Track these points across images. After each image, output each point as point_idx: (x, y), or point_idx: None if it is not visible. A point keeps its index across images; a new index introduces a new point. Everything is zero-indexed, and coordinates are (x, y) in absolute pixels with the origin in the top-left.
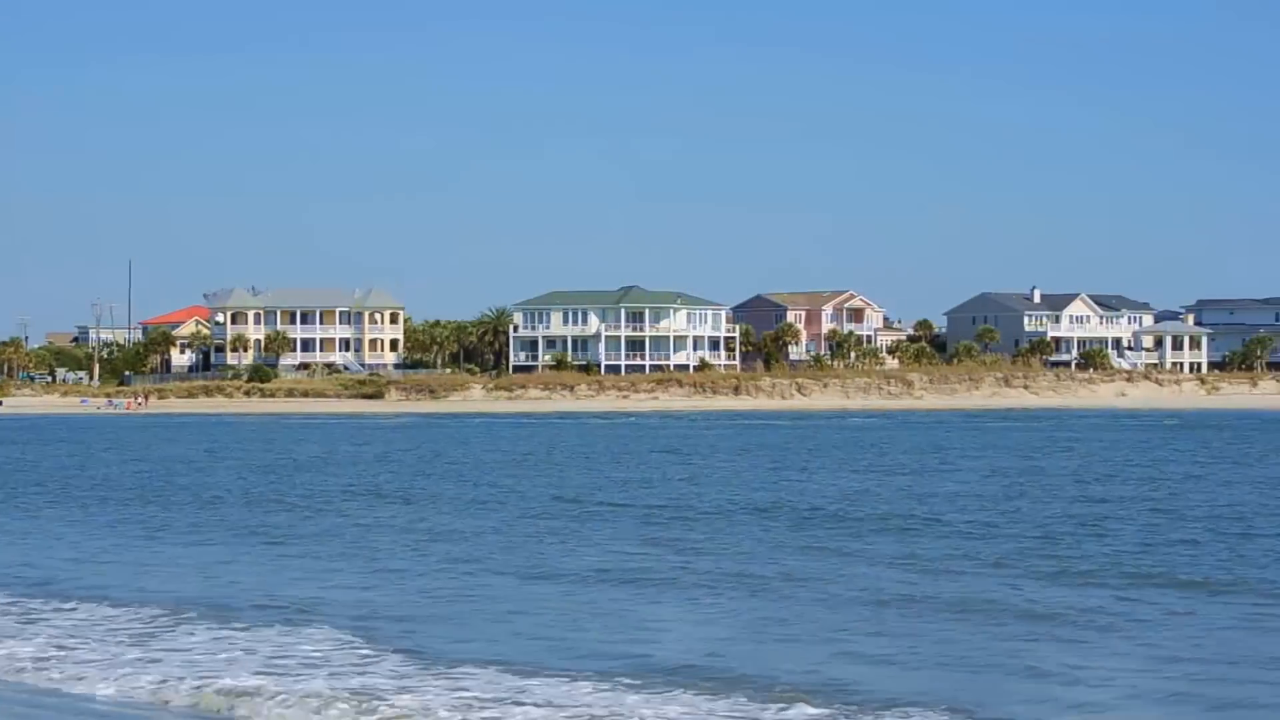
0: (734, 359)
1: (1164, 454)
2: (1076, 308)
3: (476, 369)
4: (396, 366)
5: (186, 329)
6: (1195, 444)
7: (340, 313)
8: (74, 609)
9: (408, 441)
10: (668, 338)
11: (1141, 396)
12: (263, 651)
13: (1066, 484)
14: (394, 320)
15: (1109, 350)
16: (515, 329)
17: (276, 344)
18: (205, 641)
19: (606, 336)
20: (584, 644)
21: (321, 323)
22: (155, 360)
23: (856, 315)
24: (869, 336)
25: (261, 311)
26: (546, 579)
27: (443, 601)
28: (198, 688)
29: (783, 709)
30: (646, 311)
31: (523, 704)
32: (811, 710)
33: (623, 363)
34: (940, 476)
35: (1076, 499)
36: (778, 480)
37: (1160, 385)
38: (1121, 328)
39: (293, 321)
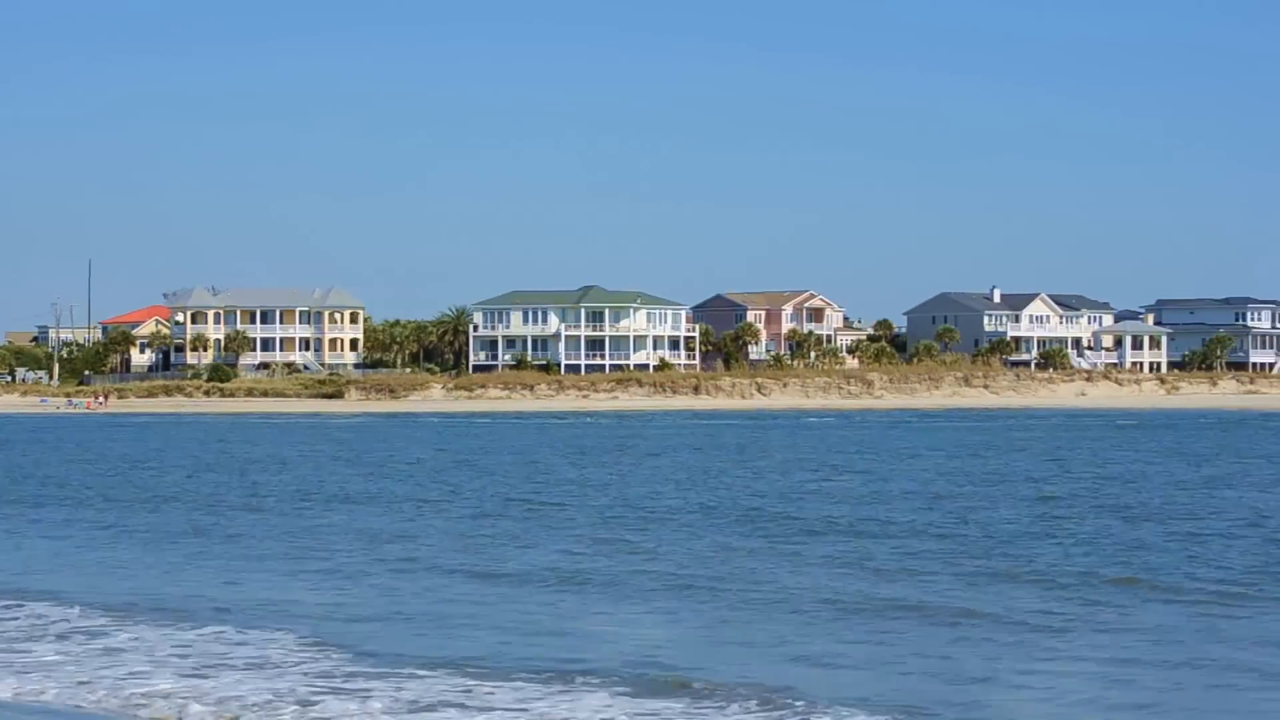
0: (694, 358)
1: (1117, 454)
2: (1036, 307)
3: (436, 369)
4: (356, 366)
5: (146, 329)
6: (1150, 444)
7: (300, 312)
8: (21, 607)
9: (364, 441)
10: (628, 337)
11: (1101, 396)
12: (202, 652)
13: (1018, 484)
14: (354, 320)
15: (1069, 350)
16: (475, 329)
17: (236, 343)
18: (145, 643)
19: (566, 336)
20: (530, 646)
21: (281, 322)
22: (115, 360)
23: (816, 315)
24: (829, 336)
25: (221, 311)
26: (495, 580)
27: (390, 602)
28: (121, 690)
29: (731, 710)
30: (606, 311)
31: (465, 706)
32: (761, 713)
33: (582, 362)
34: (891, 476)
35: (1027, 499)
36: (729, 480)
37: (1120, 385)
38: (1081, 327)
39: (252, 321)
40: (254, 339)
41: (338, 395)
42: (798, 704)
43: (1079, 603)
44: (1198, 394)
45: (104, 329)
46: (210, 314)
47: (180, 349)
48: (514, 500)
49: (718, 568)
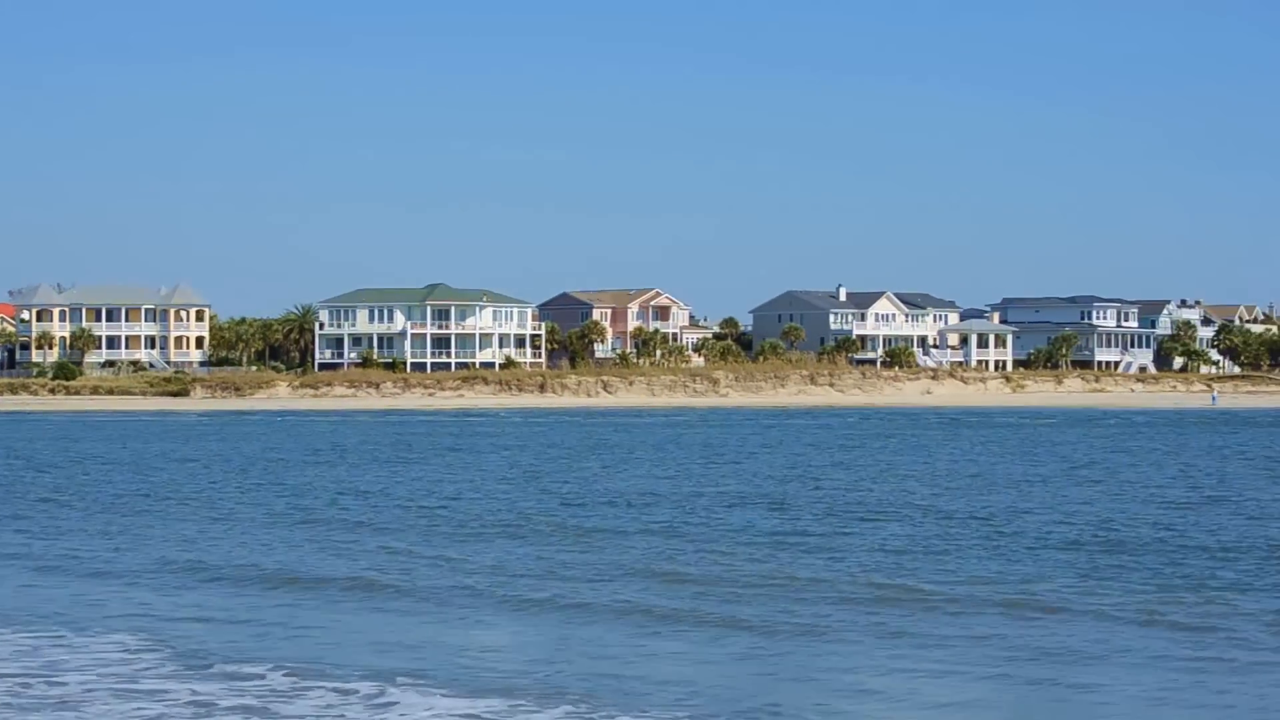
0: (540, 356)
1: (943, 453)
2: (882, 306)
3: (282, 367)
4: (202, 364)
5: None
6: (976, 442)
7: (146, 310)
8: None
9: (201, 440)
10: (474, 335)
11: (947, 394)
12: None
13: (842, 488)
14: (199, 318)
15: (915, 348)
16: (321, 326)
17: (82, 341)
18: None
19: (412, 334)
20: (348, 652)
21: (127, 320)
22: None
23: (662, 313)
24: (675, 334)
25: (67, 309)
26: (312, 586)
27: (206, 606)
28: None
29: (554, 715)
30: (452, 309)
31: (269, 711)
32: (584, 716)
33: (428, 360)
34: (717, 477)
35: (850, 502)
36: (554, 483)
37: (966, 384)
38: (927, 326)
39: (98, 319)
40: (100, 336)
41: (183, 393)
42: (626, 711)
43: (884, 608)
44: (1043, 392)
45: None
46: (55, 311)
47: (25, 346)
48: (330, 505)
49: (541, 578)
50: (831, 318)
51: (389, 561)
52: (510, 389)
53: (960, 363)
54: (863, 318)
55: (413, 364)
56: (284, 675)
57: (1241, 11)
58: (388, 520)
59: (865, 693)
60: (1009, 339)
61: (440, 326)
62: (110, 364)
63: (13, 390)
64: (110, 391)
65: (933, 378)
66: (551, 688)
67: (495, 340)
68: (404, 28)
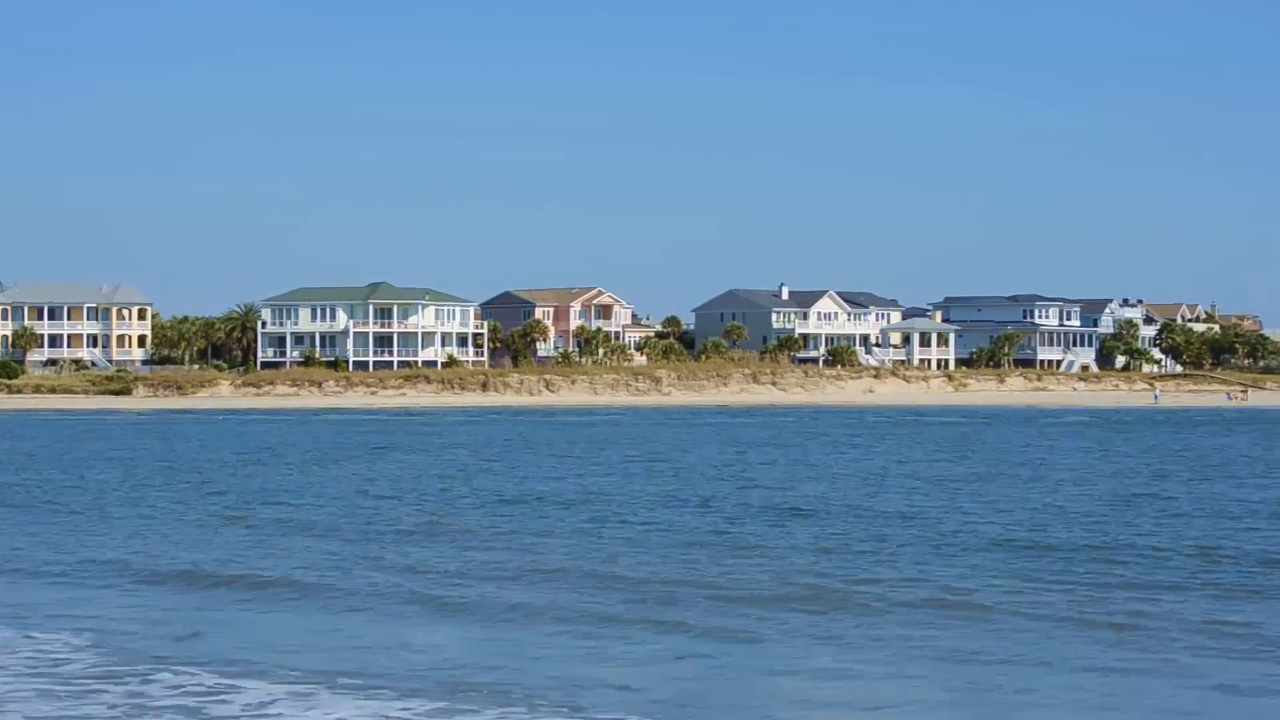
0: (483, 355)
1: (878, 451)
2: (824, 304)
3: (224, 365)
4: (144, 363)
5: None
6: (913, 440)
7: (88, 309)
8: None
9: (141, 439)
10: (416, 334)
11: (889, 393)
12: None
13: (773, 486)
14: (142, 316)
15: (857, 347)
16: (263, 325)
17: (24, 340)
18: None
19: (355, 333)
20: (280, 654)
21: (69, 319)
22: None
23: (605, 312)
24: (617, 333)
25: (9, 307)
26: (246, 586)
27: (143, 608)
28: None
29: (492, 713)
30: (395, 308)
31: (201, 712)
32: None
33: (371, 359)
34: (651, 476)
35: (780, 500)
36: (491, 482)
37: (908, 382)
38: (869, 324)
39: (40, 317)
40: (41, 335)
41: (125, 392)
42: (565, 711)
43: (815, 608)
44: (985, 390)
45: None
46: None
47: None
48: (267, 504)
49: (472, 576)
50: (774, 316)
51: (325, 561)
52: (453, 388)
53: (903, 361)
54: (805, 316)
55: (355, 363)
56: (220, 675)
57: (1241, 11)
58: (324, 520)
59: (796, 695)
60: (951, 338)
61: (382, 325)
62: (52, 362)
63: None
64: (52, 390)
65: (875, 376)
66: (491, 688)
67: (438, 339)
68: (404, 28)
